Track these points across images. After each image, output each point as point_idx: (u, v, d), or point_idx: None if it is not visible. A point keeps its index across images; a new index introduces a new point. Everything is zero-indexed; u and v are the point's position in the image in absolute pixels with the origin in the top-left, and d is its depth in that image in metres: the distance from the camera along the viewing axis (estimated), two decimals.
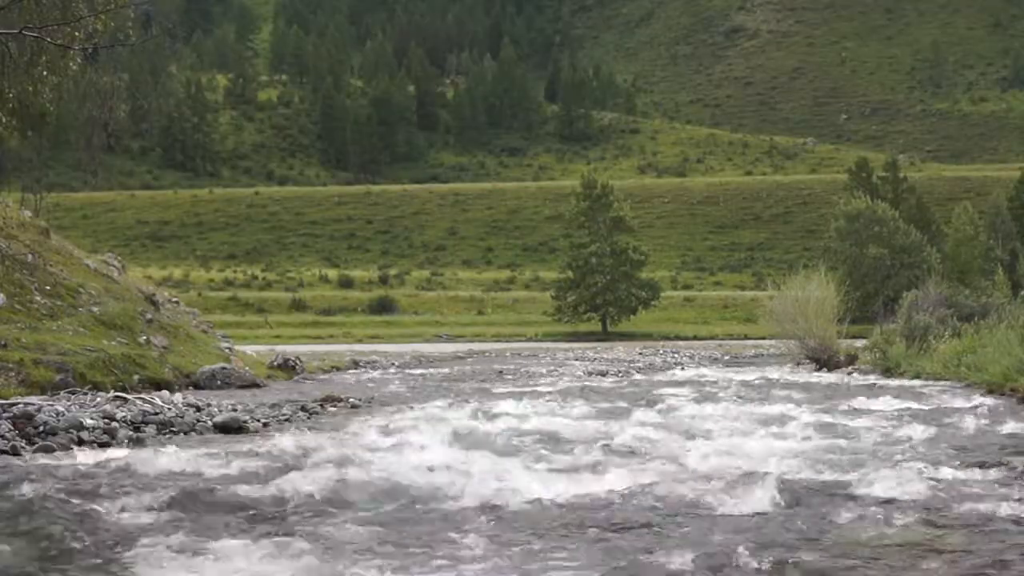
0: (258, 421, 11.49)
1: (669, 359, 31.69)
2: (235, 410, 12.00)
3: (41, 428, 9.70)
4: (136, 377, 15.35)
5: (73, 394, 12.96)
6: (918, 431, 9.72)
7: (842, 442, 9.14)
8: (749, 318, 56.80)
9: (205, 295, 75.63)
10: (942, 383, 17.00)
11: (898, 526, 5.54)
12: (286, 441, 9.11)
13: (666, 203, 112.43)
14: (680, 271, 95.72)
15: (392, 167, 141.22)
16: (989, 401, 13.39)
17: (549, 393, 15.95)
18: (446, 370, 24.90)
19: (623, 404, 13.59)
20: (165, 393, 13.58)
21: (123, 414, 10.98)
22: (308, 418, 12.32)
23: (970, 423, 10.43)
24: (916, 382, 17.88)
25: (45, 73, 14.61)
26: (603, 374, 22.93)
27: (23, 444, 9.06)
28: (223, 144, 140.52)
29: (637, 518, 5.81)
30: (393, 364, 27.18)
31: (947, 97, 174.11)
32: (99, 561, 4.85)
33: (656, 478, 7.12)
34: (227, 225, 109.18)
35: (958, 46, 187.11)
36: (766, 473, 7.32)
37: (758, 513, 5.93)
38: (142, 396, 12.75)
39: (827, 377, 20.55)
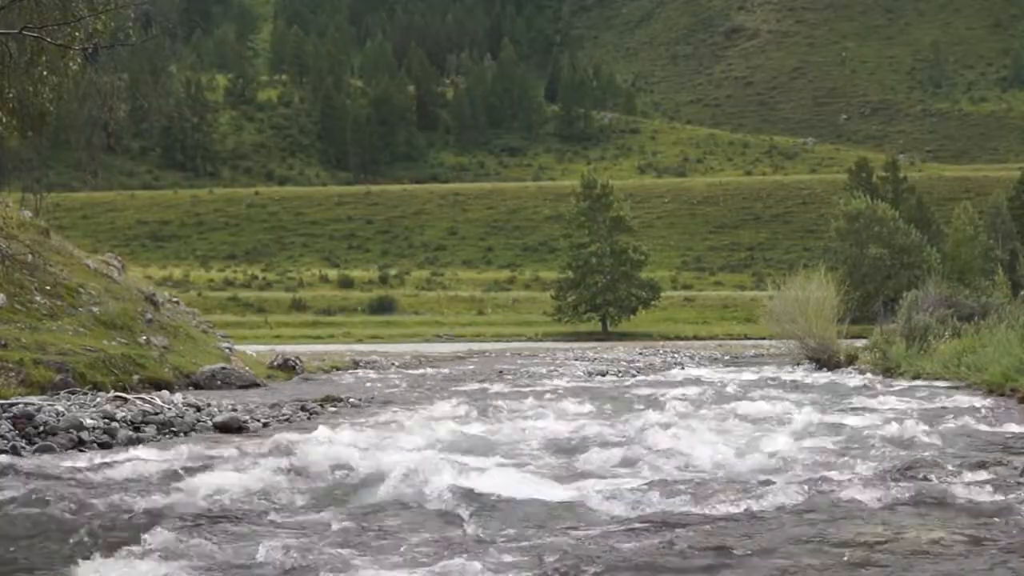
0: (258, 421, 11.49)
1: (669, 359, 31.67)
2: (235, 410, 12.00)
3: (41, 428, 9.70)
4: (136, 377, 15.35)
5: (73, 394, 12.96)
6: (918, 431, 9.72)
7: (841, 442, 9.14)
8: (749, 318, 56.87)
9: (205, 295, 75.68)
10: (942, 383, 16.99)
11: (898, 526, 5.54)
12: (286, 441, 9.11)
13: (666, 203, 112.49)
14: (680, 271, 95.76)
15: (392, 167, 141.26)
16: (989, 401, 13.38)
17: (549, 393, 15.95)
18: (446, 370, 24.90)
19: (623, 404, 13.59)
20: (165, 393, 13.57)
21: (123, 414, 10.98)
22: (308, 418, 12.32)
23: (970, 423, 10.43)
24: (916, 382, 17.87)
25: (45, 73, 14.60)
26: (603, 374, 22.92)
27: (23, 444, 9.06)
28: (223, 144, 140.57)
29: (635, 518, 5.81)
30: (393, 364, 27.17)
31: (947, 97, 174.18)
32: (98, 561, 4.85)
33: (654, 478, 7.12)
34: (227, 225, 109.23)
35: (958, 46, 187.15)
36: (764, 473, 7.32)
37: (756, 513, 5.93)
38: (142, 396, 12.74)
39: (827, 377, 20.55)
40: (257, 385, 17.68)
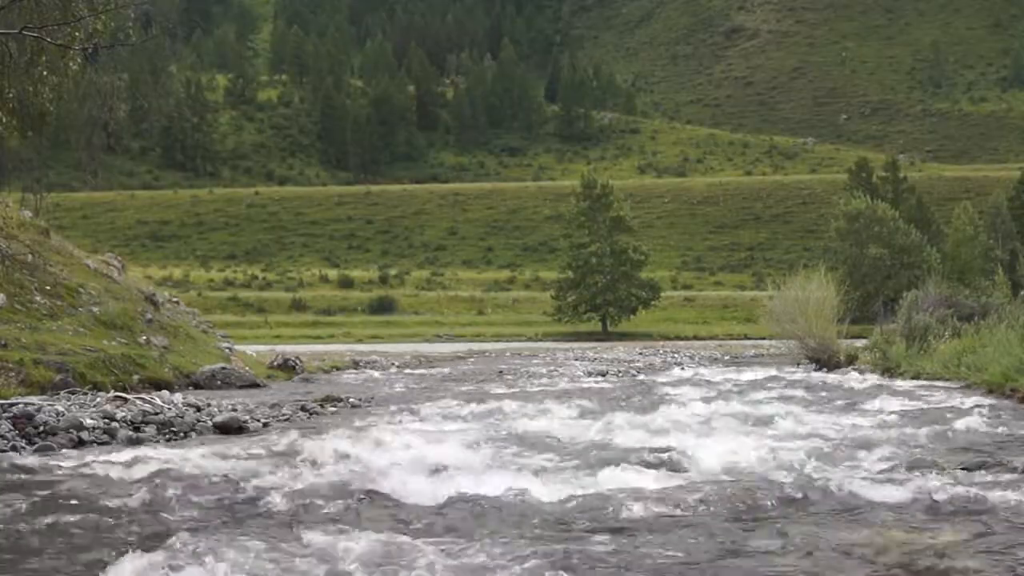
0: (258, 421, 11.49)
1: (669, 359, 31.68)
2: (235, 410, 12.00)
3: (41, 428, 9.70)
4: (136, 377, 15.35)
5: (73, 394, 12.96)
6: (918, 431, 9.72)
7: (841, 442, 9.14)
8: (749, 318, 56.87)
9: (205, 295, 75.69)
10: (942, 383, 16.98)
11: (897, 526, 5.54)
12: (286, 441, 9.12)
13: (666, 203, 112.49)
14: (680, 271, 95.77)
15: (392, 167, 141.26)
16: (989, 401, 13.37)
17: (548, 393, 15.95)
18: (446, 370, 24.90)
19: (622, 404, 13.59)
20: (165, 393, 13.57)
21: (123, 414, 10.98)
22: (308, 418, 12.32)
23: (970, 423, 10.43)
24: (916, 382, 17.86)
25: (45, 73, 14.60)
26: (603, 374, 22.92)
27: (23, 444, 9.06)
28: (223, 144, 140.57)
29: (633, 519, 5.81)
30: (393, 364, 27.17)
31: (947, 97, 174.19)
32: (98, 561, 4.85)
33: (653, 479, 7.12)
34: (227, 225, 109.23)
35: (958, 46, 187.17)
36: (764, 474, 7.32)
37: (756, 514, 5.93)
38: (142, 396, 12.74)
39: (827, 377, 20.54)
40: (257, 385, 17.68)
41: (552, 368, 25.21)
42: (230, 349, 20.71)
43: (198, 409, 11.99)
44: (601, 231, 69.01)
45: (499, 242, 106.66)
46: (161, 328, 18.68)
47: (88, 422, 10.14)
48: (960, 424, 10.38)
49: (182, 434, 10.47)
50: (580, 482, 6.99)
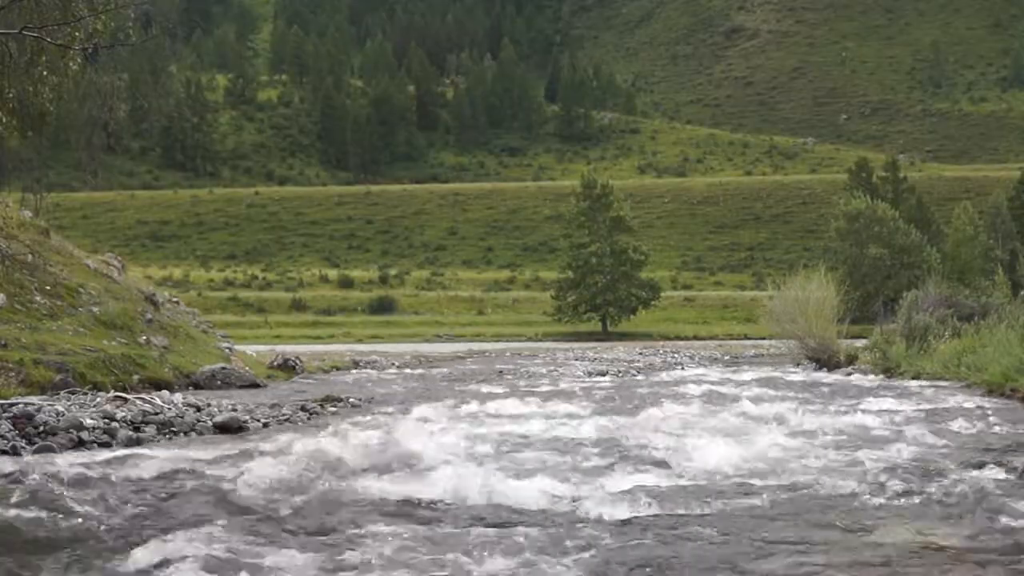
0: (258, 421, 11.49)
1: (669, 359, 31.67)
2: (235, 410, 11.99)
3: (41, 428, 9.69)
4: (136, 377, 15.34)
5: (73, 394, 12.95)
6: (918, 431, 9.72)
7: (840, 443, 9.14)
8: (749, 318, 56.90)
9: (205, 295, 75.71)
10: (942, 383, 16.99)
11: (896, 527, 5.54)
12: (286, 441, 9.11)
13: (666, 203, 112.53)
14: (680, 271, 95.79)
15: (392, 167, 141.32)
16: (989, 401, 13.38)
17: (548, 393, 15.95)
18: (446, 370, 24.89)
19: (623, 404, 13.59)
20: (165, 393, 13.56)
21: (123, 414, 10.97)
22: (308, 418, 12.31)
23: (970, 423, 10.43)
24: (916, 382, 17.86)
25: (45, 73, 14.60)
26: (603, 374, 22.91)
27: (23, 444, 9.05)
28: (223, 144, 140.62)
29: (633, 520, 5.81)
30: (393, 364, 27.16)
31: (947, 97, 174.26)
32: (99, 562, 4.85)
33: (653, 479, 7.12)
34: (227, 225, 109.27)
35: (958, 46, 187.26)
36: (764, 473, 7.32)
37: (756, 514, 5.93)
38: (142, 396, 12.73)
39: (827, 377, 20.55)
40: (257, 385, 17.67)
41: (552, 368, 25.20)
42: (230, 349, 20.70)
43: (198, 409, 11.98)
44: (601, 231, 69.04)
45: (499, 242, 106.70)
46: (161, 328, 18.68)
47: (88, 422, 10.13)
48: (960, 424, 10.38)
49: (182, 434, 10.47)
50: (579, 482, 6.98)
